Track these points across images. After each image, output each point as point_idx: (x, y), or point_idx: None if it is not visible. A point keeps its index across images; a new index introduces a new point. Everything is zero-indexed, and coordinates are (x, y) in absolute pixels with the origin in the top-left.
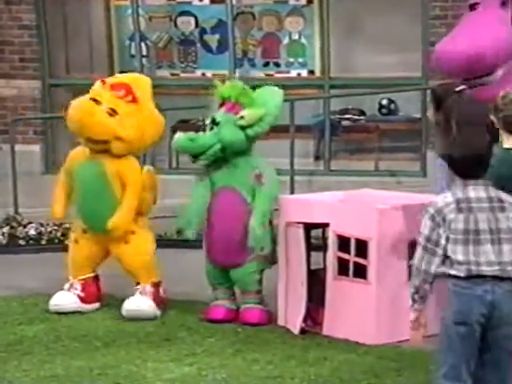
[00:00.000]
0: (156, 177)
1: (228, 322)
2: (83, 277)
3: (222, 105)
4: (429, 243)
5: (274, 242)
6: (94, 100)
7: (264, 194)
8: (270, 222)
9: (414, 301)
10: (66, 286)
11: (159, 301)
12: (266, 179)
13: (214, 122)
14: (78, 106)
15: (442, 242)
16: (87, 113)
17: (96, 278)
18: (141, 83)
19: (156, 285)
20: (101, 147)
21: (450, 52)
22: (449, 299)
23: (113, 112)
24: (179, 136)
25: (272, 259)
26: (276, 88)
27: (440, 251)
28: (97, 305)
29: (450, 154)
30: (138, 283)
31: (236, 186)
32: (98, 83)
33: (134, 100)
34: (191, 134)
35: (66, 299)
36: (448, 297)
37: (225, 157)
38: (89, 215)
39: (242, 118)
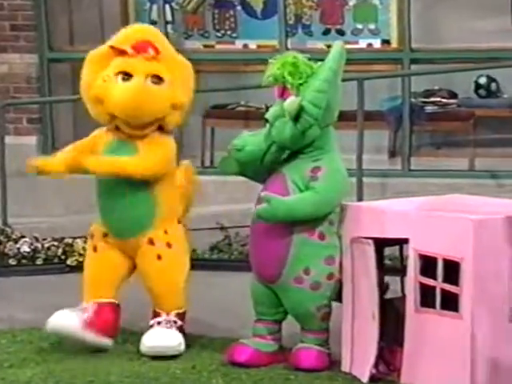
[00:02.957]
0: (196, 177)
1: (255, 367)
2: (100, 300)
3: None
4: None
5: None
6: (126, 74)
7: (314, 190)
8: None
9: None
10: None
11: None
12: (324, 175)
13: (266, 120)
14: (123, 92)
15: None
16: (138, 98)
17: (116, 306)
18: (153, 32)
19: (182, 316)
20: (148, 129)
21: None
22: None
23: (158, 79)
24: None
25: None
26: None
27: None
28: (109, 342)
29: None
30: (157, 312)
31: (286, 172)
32: (104, 50)
33: (159, 56)
34: (245, 137)
35: (67, 319)
36: None
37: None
38: (117, 214)
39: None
